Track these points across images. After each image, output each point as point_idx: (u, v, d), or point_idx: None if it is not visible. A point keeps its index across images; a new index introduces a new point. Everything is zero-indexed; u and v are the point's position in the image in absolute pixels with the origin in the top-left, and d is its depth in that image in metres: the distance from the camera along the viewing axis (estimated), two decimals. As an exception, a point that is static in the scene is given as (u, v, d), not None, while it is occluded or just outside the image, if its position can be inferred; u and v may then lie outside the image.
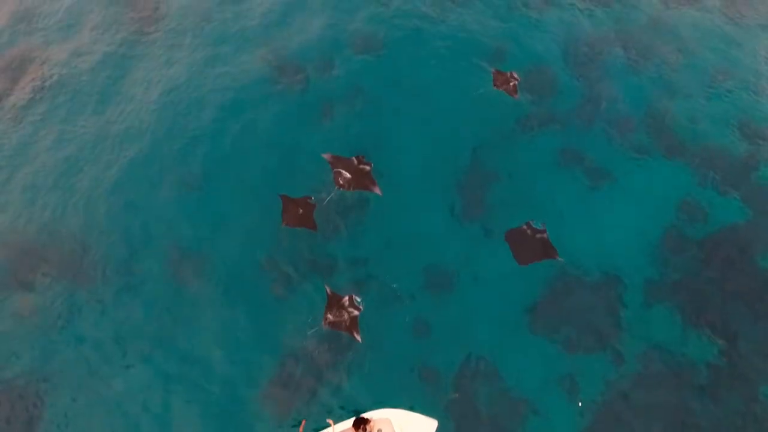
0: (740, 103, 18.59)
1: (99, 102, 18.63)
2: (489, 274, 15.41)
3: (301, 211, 15.47)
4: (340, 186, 15.93)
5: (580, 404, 13.82)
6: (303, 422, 12.99)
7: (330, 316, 13.98)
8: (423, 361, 14.25)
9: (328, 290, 14.38)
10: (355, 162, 16.21)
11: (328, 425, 12.82)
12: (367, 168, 16.13)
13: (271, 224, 15.70)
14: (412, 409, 13.25)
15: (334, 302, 14.19)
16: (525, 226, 15.45)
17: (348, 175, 15.99)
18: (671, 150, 17.59)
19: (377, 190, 15.86)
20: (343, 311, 14.06)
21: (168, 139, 17.64)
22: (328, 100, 18.39)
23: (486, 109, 18.10)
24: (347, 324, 13.97)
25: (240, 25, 20.52)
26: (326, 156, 16.29)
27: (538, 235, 15.29)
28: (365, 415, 12.61)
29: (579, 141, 17.74)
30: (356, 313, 14.12)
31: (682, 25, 20.69)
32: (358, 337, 13.87)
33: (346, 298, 14.25)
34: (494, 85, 17.89)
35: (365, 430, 12.36)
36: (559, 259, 15.01)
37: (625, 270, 15.56)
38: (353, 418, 12.60)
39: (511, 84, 17.83)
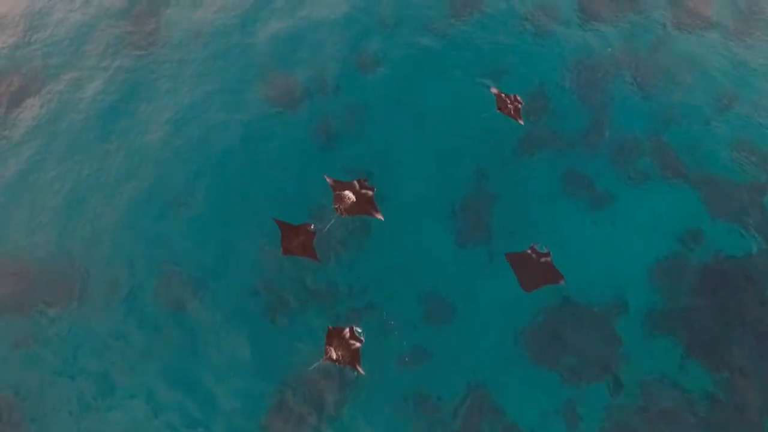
0: (749, 128, 18.31)
1: (99, 126, 18.29)
2: (489, 302, 15.21)
3: (301, 239, 15.18)
4: (342, 212, 15.65)
5: None
6: None
7: (331, 350, 13.75)
8: (422, 393, 14.08)
9: (330, 327, 14.19)
10: (357, 186, 15.97)
11: None
12: (370, 193, 15.90)
13: (271, 252, 15.47)
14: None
15: (334, 335, 13.95)
16: (529, 250, 15.24)
17: (349, 200, 15.73)
18: (677, 176, 17.37)
19: (379, 216, 15.61)
20: (345, 344, 13.85)
21: (167, 163, 17.37)
22: (329, 121, 18.15)
23: (489, 132, 17.87)
24: (349, 357, 13.75)
25: (242, 46, 20.19)
26: (328, 179, 16.05)
27: (543, 259, 15.07)
28: None
29: (582, 165, 17.51)
30: (358, 345, 13.89)
31: (690, 47, 20.40)
32: (361, 370, 13.66)
33: (347, 330, 14.02)
34: (498, 108, 17.59)
35: None
36: (563, 283, 14.78)
37: (628, 298, 15.37)
38: None
39: (515, 107, 17.56)
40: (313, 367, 13.94)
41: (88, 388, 13.94)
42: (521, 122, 17.50)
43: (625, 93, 19.22)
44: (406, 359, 14.41)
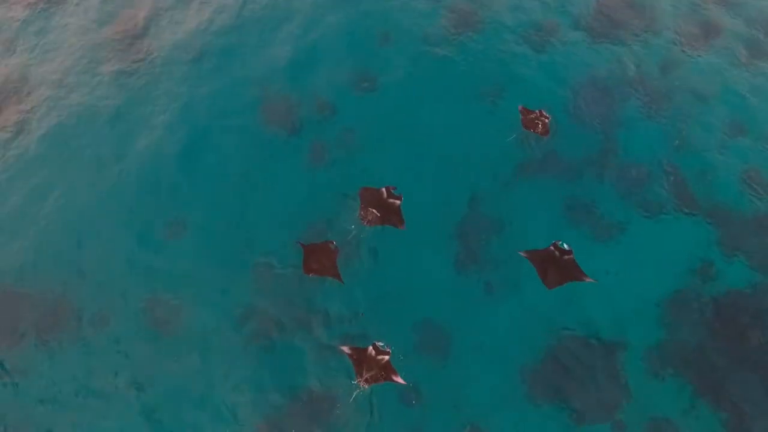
0: (762, 156, 18.07)
1: (84, 141, 17.58)
2: (488, 334, 14.73)
3: (323, 258, 14.69)
4: (368, 222, 15.20)
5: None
6: None
7: (364, 372, 13.20)
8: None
9: (347, 349, 13.62)
10: (385, 194, 15.45)
11: None
12: (397, 202, 15.40)
13: (261, 275, 15.09)
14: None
15: (360, 357, 13.40)
16: (552, 247, 14.81)
17: (376, 210, 15.28)
18: (684, 206, 17.03)
19: (402, 227, 15.18)
20: (374, 362, 13.29)
21: (158, 185, 16.71)
22: (322, 141, 17.57)
23: (487, 154, 17.37)
24: (383, 373, 13.22)
25: (231, 61, 19.40)
26: (360, 191, 15.61)
27: (566, 257, 14.65)
28: None
29: (587, 192, 17.05)
30: (387, 357, 13.36)
31: (698, 70, 20.18)
32: (403, 381, 13.21)
33: (370, 348, 13.46)
34: (523, 126, 17.19)
35: None
36: (590, 280, 14.33)
37: (633, 334, 14.89)
38: None
39: (543, 124, 17.18)
40: (355, 395, 13.35)
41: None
42: (547, 139, 17.16)
43: (634, 116, 18.86)
44: (414, 402, 13.77)
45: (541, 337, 14.70)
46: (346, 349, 13.54)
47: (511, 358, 14.45)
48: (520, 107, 17.50)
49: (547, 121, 17.24)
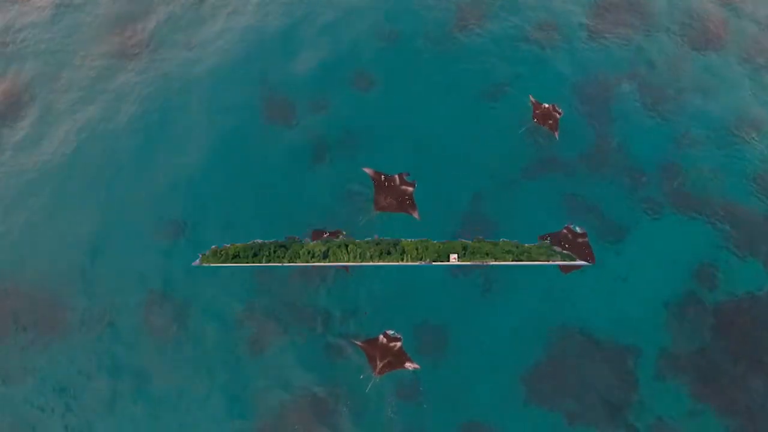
0: (766, 157, 17.82)
1: (82, 139, 17.53)
2: (489, 334, 14.57)
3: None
4: (382, 208, 14.89)
5: None
6: None
7: (378, 362, 13.06)
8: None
9: (359, 342, 13.53)
10: (398, 181, 15.15)
11: None
12: (410, 189, 15.14)
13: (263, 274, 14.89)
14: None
15: (372, 348, 13.29)
16: (565, 230, 14.85)
17: (389, 197, 14.99)
18: (691, 207, 16.74)
19: (416, 215, 14.92)
20: (387, 350, 13.18)
21: (160, 184, 16.63)
22: (324, 140, 17.33)
23: (491, 152, 17.09)
24: (397, 359, 13.14)
25: (239, 65, 19.21)
26: (368, 170, 15.27)
27: (580, 239, 14.72)
28: None
29: (590, 191, 16.72)
30: (399, 344, 13.32)
31: (703, 69, 19.90)
32: (415, 365, 13.20)
33: (381, 336, 13.38)
34: (534, 118, 17.03)
35: None
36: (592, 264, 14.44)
37: (637, 337, 14.73)
38: None
39: (553, 118, 17.03)
40: (369, 385, 13.22)
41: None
42: (557, 135, 17.04)
43: (637, 115, 18.57)
44: (425, 406, 13.61)
45: (544, 338, 14.61)
46: (358, 342, 13.44)
47: (513, 358, 14.36)
48: (531, 98, 17.29)
49: (558, 116, 17.11)
